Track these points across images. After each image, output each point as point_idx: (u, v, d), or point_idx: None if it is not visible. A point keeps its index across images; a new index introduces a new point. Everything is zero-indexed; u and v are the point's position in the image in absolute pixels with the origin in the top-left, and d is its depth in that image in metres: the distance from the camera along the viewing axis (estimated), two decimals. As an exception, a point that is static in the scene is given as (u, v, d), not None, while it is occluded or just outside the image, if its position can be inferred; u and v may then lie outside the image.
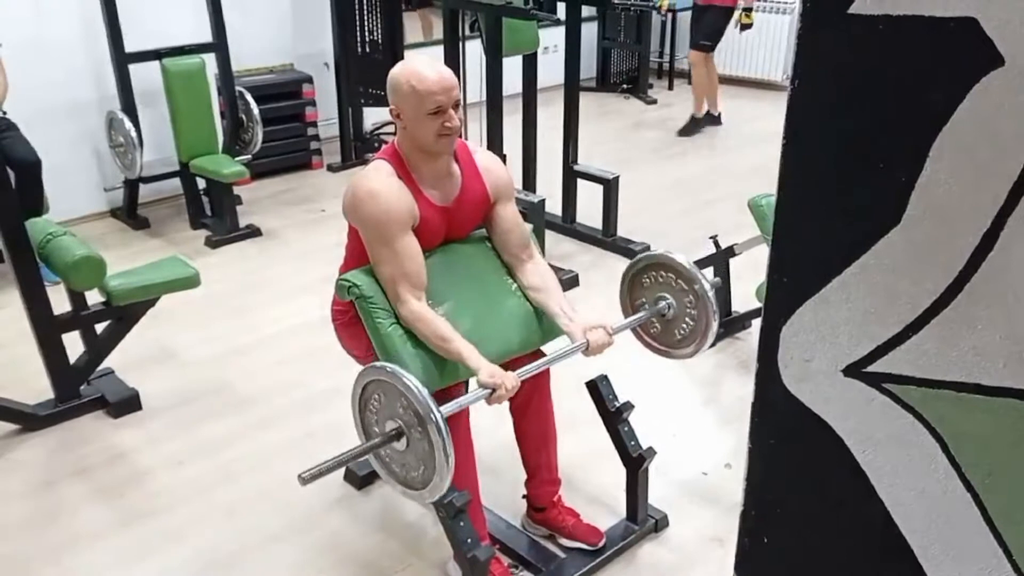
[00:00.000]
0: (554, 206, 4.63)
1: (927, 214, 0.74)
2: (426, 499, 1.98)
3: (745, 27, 6.28)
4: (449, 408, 1.96)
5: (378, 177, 2.15)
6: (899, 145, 0.74)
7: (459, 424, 2.26)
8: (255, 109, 4.88)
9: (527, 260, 2.35)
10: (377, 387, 1.96)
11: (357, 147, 5.93)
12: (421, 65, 2.12)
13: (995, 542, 0.78)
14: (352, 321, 2.25)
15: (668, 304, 2.39)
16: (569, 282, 4.11)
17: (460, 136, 2.22)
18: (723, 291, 3.65)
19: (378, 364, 1.98)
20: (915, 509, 0.83)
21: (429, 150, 2.15)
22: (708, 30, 6.18)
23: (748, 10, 6.18)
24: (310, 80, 5.72)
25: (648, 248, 4.45)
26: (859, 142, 0.77)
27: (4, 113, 4.15)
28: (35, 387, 3.21)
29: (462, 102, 2.21)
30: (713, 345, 2.41)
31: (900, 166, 0.74)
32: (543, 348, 2.41)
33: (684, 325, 2.38)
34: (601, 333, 2.23)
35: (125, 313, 3.15)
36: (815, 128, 0.80)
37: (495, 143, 4.07)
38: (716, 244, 3.58)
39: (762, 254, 3.38)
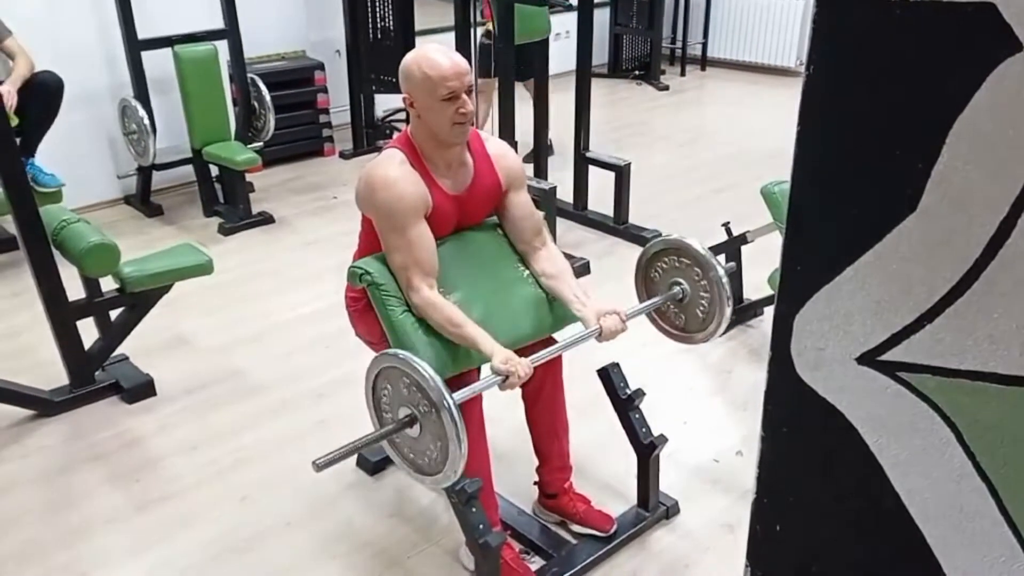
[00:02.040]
0: (566, 193, 4.62)
1: (943, 201, 0.73)
2: (439, 485, 1.99)
3: None
4: (462, 395, 1.96)
5: (391, 165, 2.15)
6: (915, 132, 0.73)
7: (472, 411, 2.26)
8: (267, 96, 4.89)
9: (540, 247, 2.35)
10: (390, 374, 1.96)
11: (369, 134, 5.93)
12: (433, 52, 2.12)
13: (1009, 532, 0.78)
14: (366, 308, 2.25)
15: (682, 289, 2.39)
16: (580, 269, 4.10)
17: (473, 124, 2.22)
18: (735, 278, 3.64)
19: (390, 351, 1.98)
20: (929, 498, 0.83)
21: (443, 137, 2.15)
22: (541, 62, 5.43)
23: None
24: (322, 67, 5.72)
25: (660, 235, 4.44)
26: (875, 129, 0.76)
27: None
28: (50, 373, 3.23)
29: (475, 88, 2.20)
30: (726, 332, 2.41)
31: (916, 153, 0.73)
32: (555, 335, 2.41)
33: (698, 310, 2.38)
34: (615, 319, 2.23)
35: (139, 300, 3.16)
36: (830, 115, 0.80)
37: (507, 129, 4.05)
38: (728, 231, 3.57)
39: (774, 242, 3.38)
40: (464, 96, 2.10)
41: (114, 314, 3.21)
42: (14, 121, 3.97)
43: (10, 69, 4.16)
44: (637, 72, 7.86)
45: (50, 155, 4.39)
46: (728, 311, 2.32)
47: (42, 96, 4.22)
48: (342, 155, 5.89)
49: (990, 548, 0.79)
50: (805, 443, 0.93)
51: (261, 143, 4.96)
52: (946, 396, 0.79)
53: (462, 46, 4.12)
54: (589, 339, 2.23)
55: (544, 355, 2.18)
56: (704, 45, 8.06)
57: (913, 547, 0.84)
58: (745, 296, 3.68)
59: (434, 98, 2.08)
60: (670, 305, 2.43)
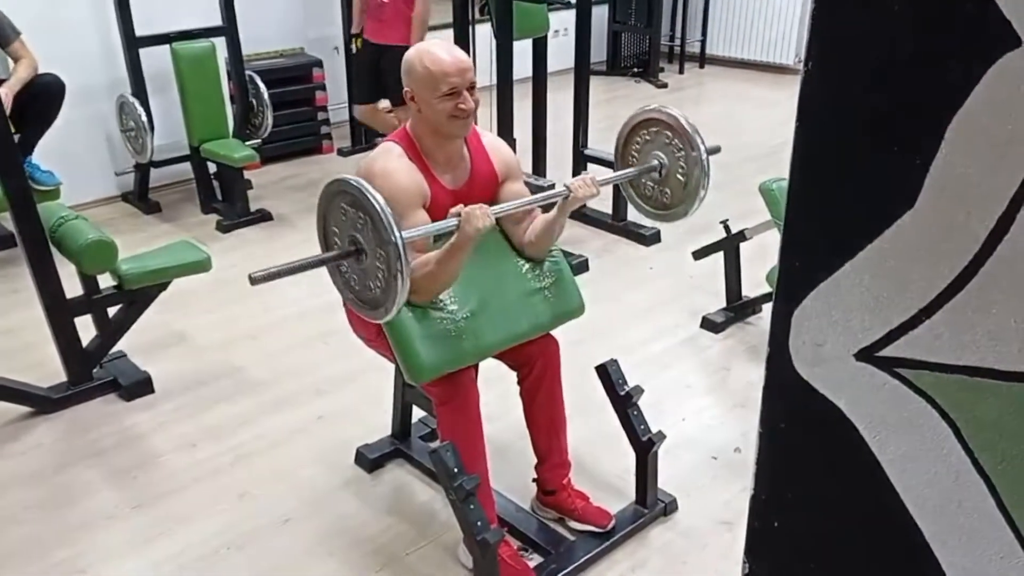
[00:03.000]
0: (564, 190, 4.61)
1: (942, 197, 0.73)
2: (378, 319, 1.95)
3: None
4: (410, 234, 1.91)
5: (389, 157, 2.15)
6: (914, 127, 0.73)
7: (469, 407, 2.27)
8: (265, 93, 4.89)
9: (528, 224, 2.34)
10: (343, 199, 1.90)
11: (367, 131, 5.93)
12: (436, 47, 2.12)
13: (1008, 528, 0.78)
14: (362, 305, 2.25)
15: (660, 163, 2.35)
16: (579, 267, 4.10)
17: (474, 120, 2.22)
18: (733, 275, 3.64)
19: (345, 176, 1.90)
20: (927, 495, 0.82)
21: (444, 133, 2.15)
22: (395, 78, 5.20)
23: None
24: (320, 64, 5.71)
25: (659, 233, 4.45)
26: (873, 124, 0.76)
27: None
28: (48, 370, 3.23)
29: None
30: (701, 202, 2.34)
31: (915, 148, 0.73)
32: (553, 333, 2.41)
33: (675, 183, 2.33)
34: (584, 179, 2.21)
35: (137, 297, 3.16)
36: (828, 110, 0.80)
37: (505, 127, 4.05)
38: (726, 228, 3.57)
39: (772, 239, 3.39)
40: (465, 92, 2.10)
41: (112, 311, 3.20)
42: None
43: (11, 71, 4.15)
44: (635, 69, 7.86)
45: (48, 152, 4.39)
46: (703, 191, 2.28)
47: (43, 98, 4.20)
48: (340, 152, 5.89)
49: (988, 544, 0.79)
50: (803, 439, 0.93)
51: (259, 140, 4.96)
52: (944, 392, 0.79)
53: (461, 42, 4.11)
54: (558, 197, 2.20)
55: (509, 207, 2.16)
56: (703, 42, 8.06)
57: (911, 543, 0.84)
58: (743, 293, 3.68)
59: (435, 93, 2.09)
60: (646, 180, 2.40)
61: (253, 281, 1.82)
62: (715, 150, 2.34)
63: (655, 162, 2.36)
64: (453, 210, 2.02)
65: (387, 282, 1.85)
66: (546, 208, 2.31)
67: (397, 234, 1.79)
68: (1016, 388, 0.74)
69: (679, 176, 2.32)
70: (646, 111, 2.37)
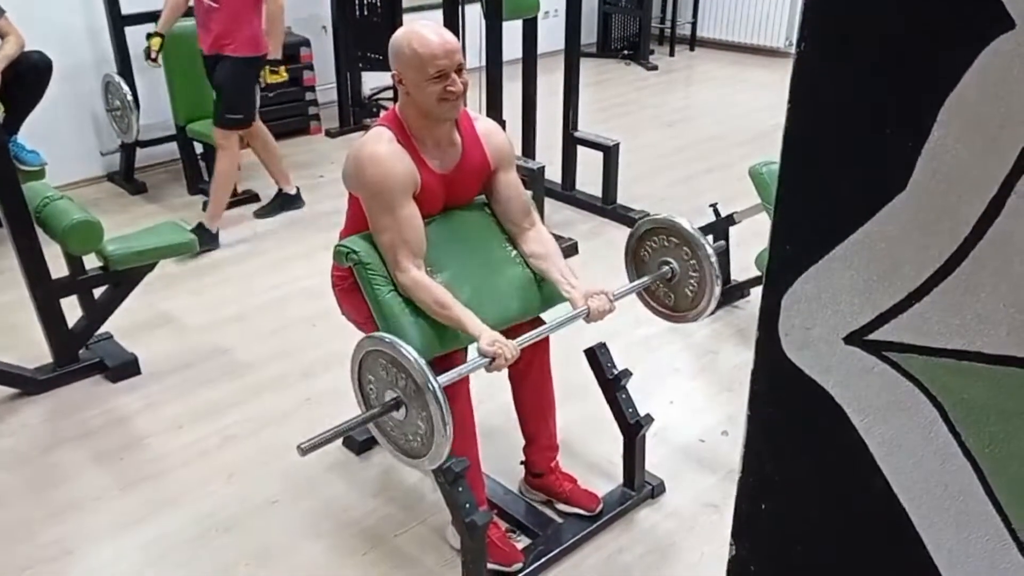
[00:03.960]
0: (554, 173, 4.60)
1: (933, 180, 0.73)
2: (425, 467, 1.99)
3: (273, 88, 4.60)
4: (447, 377, 1.96)
5: (379, 143, 2.14)
6: (906, 110, 0.73)
7: (459, 391, 2.26)
8: (252, 73, 4.83)
9: (529, 228, 2.34)
10: (376, 357, 1.96)
11: (356, 112, 5.89)
12: (424, 29, 2.10)
13: (994, 511, 0.78)
14: (351, 287, 2.24)
15: (671, 268, 2.39)
16: (568, 250, 4.10)
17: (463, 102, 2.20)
18: (723, 259, 3.64)
19: (376, 335, 1.98)
20: (914, 478, 0.83)
21: (433, 115, 2.13)
22: (233, 98, 4.14)
23: (276, 63, 4.25)
24: (308, 44, 5.66)
25: (648, 215, 4.44)
26: (865, 107, 0.76)
27: None
28: (33, 351, 3.21)
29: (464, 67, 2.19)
30: (714, 312, 2.42)
31: (907, 132, 0.73)
32: (543, 316, 2.41)
33: (688, 289, 2.39)
34: (603, 299, 2.23)
35: (123, 278, 3.14)
36: (820, 93, 0.79)
37: (494, 109, 4.03)
38: (716, 212, 3.57)
39: (762, 222, 3.38)
40: (454, 75, 2.09)
41: (98, 292, 3.19)
42: None
43: None
44: (626, 52, 7.83)
45: (32, 132, 4.34)
46: (717, 290, 2.33)
47: (31, 76, 4.16)
48: (328, 133, 5.85)
49: (975, 527, 0.80)
50: (791, 423, 0.93)
51: (247, 121, 4.91)
52: (932, 376, 0.79)
53: (450, 23, 4.08)
54: (577, 320, 2.23)
55: (531, 337, 2.18)
56: (693, 25, 8.03)
57: (898, 526, 0.85)
58: (732, 277, 3.69)
59: (423, 76, 2.07)
60: (659, 285, 2.44)
61: (303, 452, 1.85)
62: (720, 249, 2.40)
63: (666, 268, 2.41)
64: (488, 349, 2.04)
65: (429, 430, 1.89)
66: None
67: (435, 383, 1.84)
68: (1004, 372, 0.74)
69: (691, 282, 2.38)
70: (648, 220, 2.45)
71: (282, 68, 4.32)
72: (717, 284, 2.32)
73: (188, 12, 4.52)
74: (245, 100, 4.16)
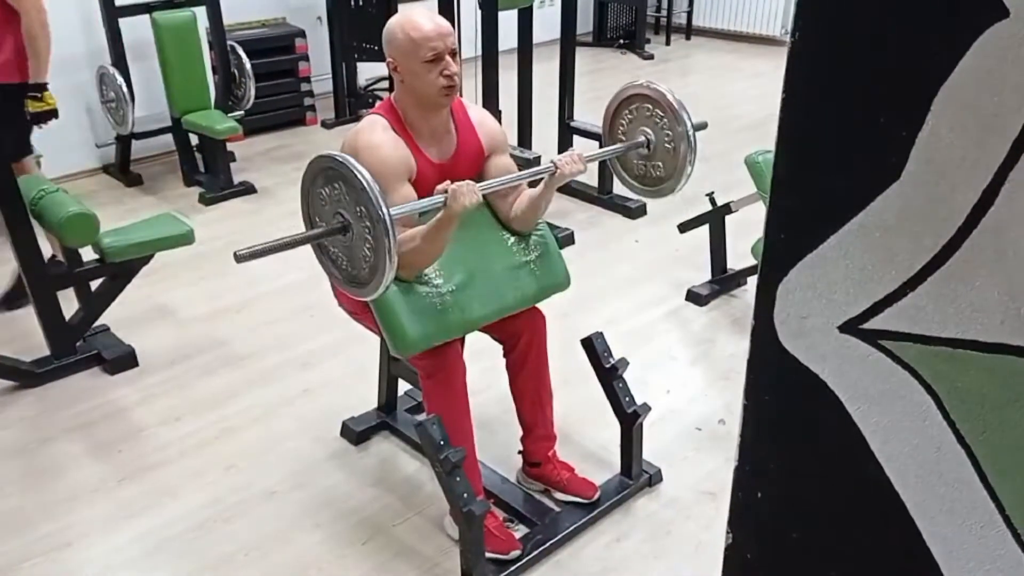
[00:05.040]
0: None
1: (927, 169, 0.73)
2: (366, 296, 1.95)
3: (42, 118, 3.60)
4: (398, 210, 1.90)
5: (374, 130, 2.14)
6: (900, 99, 0.73)
7: (455, 380, 2.27)
8: (247, 64, 4.82)
9: (515, 199, 2.33)
10: (328, 175, 1.89)
11: (351, 103, 5.88)
12: (416, 14, 2.11)
13: (988, 498, 0.79)
14: (347, 278, 2.24)
15: (647, 139, 2.36)
16: (564, 239, 4.10)
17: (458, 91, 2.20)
18: (719, 248, 3.65)
19: (327, 152, 1.89)
20: (909, 465, 0.83)
21: (430, 103, 2.13)
22: None
23: (39, 88, 3.54)
24: (303, 34, 5.65)
25: (644, 206, 4.45)
26: (859, 96, 0.76)
27: None
28: (31, 344, 3.21)
29: (459, 53, 2.18)
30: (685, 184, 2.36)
31: (901, 121, 0.73)
32: (539, 306, 2.41)
33: (665, 157, 2.34)
34: (569, 153, 2.21)
35: (119, 270, 3.14)
36: (815, 82, 0.79)
37: (490, 99, 4.03)
38: (712, 201, 3.57)
39: (758, 212, 3.39)
40: (448, 58, 2.09)
41: (95, 284, 3.18)
42: None
43: None
44: (622, 41, 7.81)
45: (27, 123, 4.32)
46: (691, 161, 2.28)
47: None
48: (324, 124, 5.84)
49: (969, 514, 0.80)
50: (787, 411, 0.93)
51: (242, 112, 4.90)
52: (927, 364, 0.79)
53: (445, 12, 4.07)
54: (545, 173, 2.20)
55: (496, 184, 2.14)
56: (689, 14, 8.01)
57: (893, 514, 0.85)
58: (728, 266, 3.69)
59: (418, 60, 2.07)
60: (631, 157, 2.40)
61: (238, 259, 1.80)
62: (702, 126, 2.34)
63: (642, 138, 2.35)
64: (440, 187, 2.00)
65: (375, 259, 1.84)
66: (533, 183, 2.30)
67: (385, 210, 1.78)
68: (998, 360, 0.74)
69: (667, 146, 2.32)
70: (633, 87, 2.36)
71: (47, 94, 3.57)
72: (692, 157, 2.28)
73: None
74: (8, 135, 3.27)
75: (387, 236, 1.78)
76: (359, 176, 1.79)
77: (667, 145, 2.32)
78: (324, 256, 2.00)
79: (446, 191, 1.98)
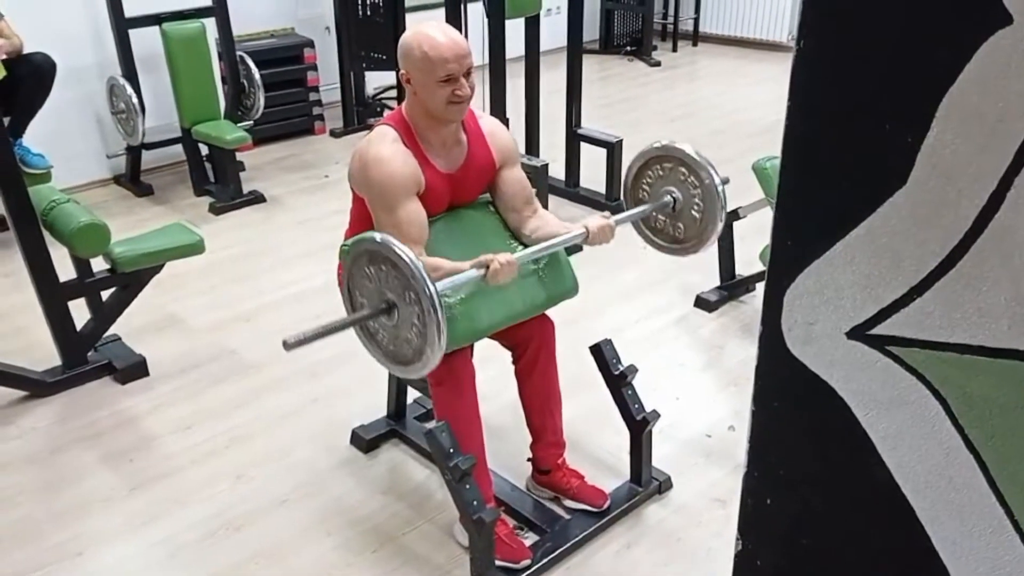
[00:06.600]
0: (557, 170, 4.61)
1: (933, 175, 0.73)
2: (412, 375, 1.96)
3: None
4: (444, 285, 1.92)
5: (384, 143, 2.14)
6: (905, 106, 0.73)
7: (464, 388, 2.27)
8: (256, 74, 4.85)
9: (531, 216, 2.34)
10: (371, 258, 1.91)
11: (359, 112, 5.90)
12: (434, 31, 2.09)
13: (997, 503, 0.79)
14: (356, 286, 2.24)
15: (674, 198, 2.36)
16: (572, 247, 4.09)
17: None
18: (727, 254, 3.64)
19: (369, 235, 1.92)
20: (918, 471, 0.83)
21: (439, 117, 2.13)
22: None
23: None
24: (311, 44, 5.67)
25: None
26: (865, 103, 0.76)
27: None
28: (42, 354, 3.22)
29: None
30: (713, 237, 2.36)
31: (906, 127, 0.73)
32: (548, 313, 2.41)
33: (690, 219, 2.34)
34: (601, 219, 2.22)
35: (130, 280, 3.15)
36: (821, 89, 0.80)
37: (498, 106, 4.04)
38: (720, 207, 3.57)
39: (766, 217, 3.37)
40: (462, 79, 2.08)
41: (105, 294, 3.20)
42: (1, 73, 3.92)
43: None
44: (629, 48, 7.82)
45: (38, 136, 4.36)
46: (721, 220, 2.29)
47: (34, 78, 4.17)
48: (333, 133, 5.86)
49: (978, 520, 0.80)
50: (796, 417, 0.93)
51: (251, 121, 4.93)
52: (935, 369, 0.79)
53: (453, 22, 4.08)
54: (576, 240, 2.22)
55: (529, 253, 2.16)
56: (696, 20, 8.02)
57: (902, 519, 0.85)
58: (737, 272, 3.69)
59: (432, 78, 2.07)
60: (660, 216, 2.41)
61: (287, 347, 1.82)
62: (726, 181, 2.34)
63: (668, 198, 2.36)
64: (482, 259, 2.01)
65: (421, 343, 1.86)
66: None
67: (432, 288, 1.79)
68: (1006, 365, 0.74)
69: (694, 212, 2.33)
70: (655, 148, 2.38)
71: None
72: (721, 214, 2.27)
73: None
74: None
75: (437, 328, 1.80)
76: (409, 263, 1.81)
77: (695, 205, 2.32)
78: (364, 332, 2.02)
79: (486, 266, 2.00)
